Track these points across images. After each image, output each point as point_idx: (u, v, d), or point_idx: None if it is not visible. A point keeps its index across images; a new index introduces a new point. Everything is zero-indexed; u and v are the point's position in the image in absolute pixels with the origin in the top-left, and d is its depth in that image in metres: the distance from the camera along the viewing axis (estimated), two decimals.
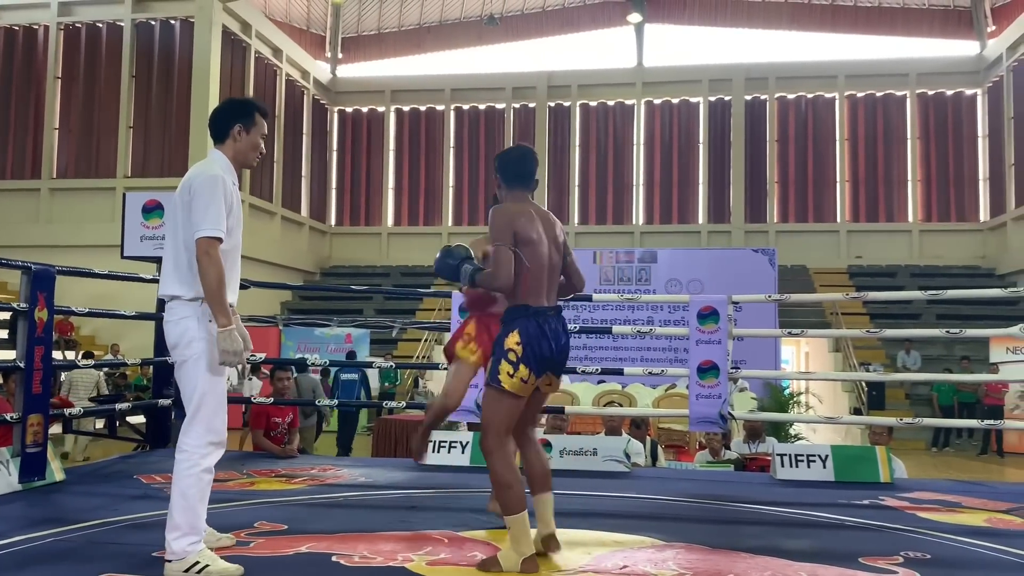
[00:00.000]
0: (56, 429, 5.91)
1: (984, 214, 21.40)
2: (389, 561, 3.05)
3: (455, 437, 5.64)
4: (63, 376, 10.52)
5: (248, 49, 19.82)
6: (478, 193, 23.41)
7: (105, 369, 11.50)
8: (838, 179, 22.15)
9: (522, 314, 3.15)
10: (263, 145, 3.25)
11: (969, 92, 21.80)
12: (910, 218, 21.73)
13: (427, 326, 16.97)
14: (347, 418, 11.98)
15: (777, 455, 5.32)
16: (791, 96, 22.43)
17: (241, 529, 3.45)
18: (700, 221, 22.45)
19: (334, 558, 3.09)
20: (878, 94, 22.13)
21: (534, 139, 22.82)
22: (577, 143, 23.17)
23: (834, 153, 22.24)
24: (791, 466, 5.22)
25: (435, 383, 13.88)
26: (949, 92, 21.89)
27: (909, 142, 21.87)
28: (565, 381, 10.98)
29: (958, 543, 3.56)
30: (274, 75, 21.21)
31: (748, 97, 22.37)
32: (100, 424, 8.28)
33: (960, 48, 22.25)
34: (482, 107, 23.75)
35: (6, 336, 10.23)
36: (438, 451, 5.53)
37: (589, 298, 5.96)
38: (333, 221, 24.35)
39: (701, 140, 22.69)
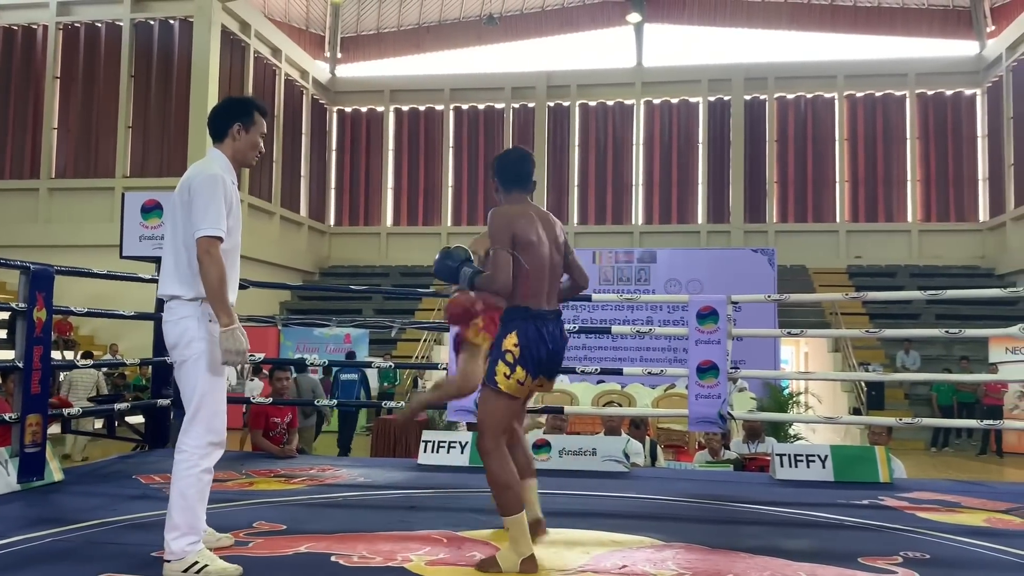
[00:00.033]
0: (55, 429, 5.90)
1: (983, 214, 21.41)
2: (388, 561, 3.05)
3: (454, 437, 5.63)
4: (62, 376, 10.52)
5: (247, 49, 19.82)
6: (477, 193, 23.41)
7: (104, 369, 11.49)
8: (837, 179, 22.16)
9: (521, 316, 3.15)
10: (262, 144, 3.25)
11: (968, 92, 21.81)
12: (909, 218, 21.74)
13: (426, 326, 16.97)
14: (346, 418, 11.99)
15: (776, 455, 5.32)
16: (790, 96, 22.44)
17: (240, 529, 3.45)
18: (699, 221, 22.45)
19: (333, 558, 3.09)
20: (877, 94, 22.14)
21: (533, 139, 22.83)
22: (576, 143, 23.17)
23: (833, 153, 22.25)
24: (790, 466, 5.21)
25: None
26: (948, 92, 21.90)
27: (908, 142, 21.88)
28: (564, 381, 11.01)
29: (957, 543, 3.56)
30: (273, 75, 21.21)
31: (747, 97, 22.38)
32: (99, 424, 8.27)
33: (959, 48, 22.27)
34: (481, 107, 23.75)
35: (5, 336, 10.23)
36: (437, 451, 5.53)
37: (588, 298, 5.95)
38: (332, 221, 24.34)
39: (700, 140, 22.70)
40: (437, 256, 3.39)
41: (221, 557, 2.94)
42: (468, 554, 3.19)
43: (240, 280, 3.30)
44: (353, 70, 24.85)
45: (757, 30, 23.58)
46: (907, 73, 21.81)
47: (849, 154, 22.15)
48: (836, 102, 22.28)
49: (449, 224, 23.37)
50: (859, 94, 22.22)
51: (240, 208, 3.16)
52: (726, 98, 22.50)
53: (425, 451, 5.54)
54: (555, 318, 3.23)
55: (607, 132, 23.15)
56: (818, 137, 22.32)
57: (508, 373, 3.09)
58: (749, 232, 21.76)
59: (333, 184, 24.39)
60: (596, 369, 6.45)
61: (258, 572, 2.91)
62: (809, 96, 22.41)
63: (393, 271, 22.37)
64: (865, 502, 4.46)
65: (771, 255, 13.09)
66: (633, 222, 22.73)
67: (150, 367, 7.04)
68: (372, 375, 13.54)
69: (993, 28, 21.38)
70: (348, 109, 24.45)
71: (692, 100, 22.85)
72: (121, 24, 18.62)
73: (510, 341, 3.11)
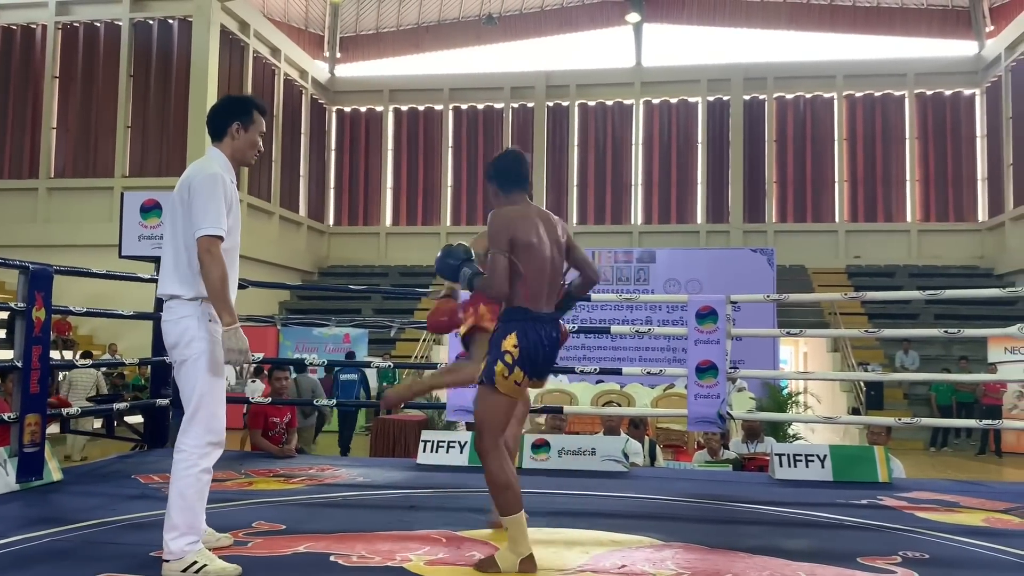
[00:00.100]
0: (54, 429, 5.90)
1: (982, 214, 21.41)
2: (387, 561, 3.05)
3: (453, 437, 5.63)
4: (62, 376, 10.52)
5: (246, 48, 19.81)
6: (476, 193, 23.39)
7: (103, 369, 11.48)
8: (836, 179, 22.16)
9: (521, 317, 3.15)
10: (261, 143, 3.24)
11: (967, 92, 21.82)
12: (908, 218, 21.75)
13: (425, 326, 16.94)
14: (346, 418, 12.00)
15: (775, 455, 5.32)
16: (789, 96, 22.44)
17: (239, 529, 3.45)
18: (698, 221, 22.45)
19: (332, 558, 3.09)
20: (876, 94, 22.14)
21: (532, 139, 22.82)
22: (575, 143, 23.16)
23: (832, 153, 22.26)
24: (789, 466, 5.22)
25: None
26: (947, 92, 21.91)
27: (907, 142, 21.88)
28: (564, 381, 11.01)
29: (956, 543, 3.57)
30: (272, 75, 21.20)
31: (747, 97, 22.38)
32: (98, 424, 8.26)
33: (958, 48, 22.28)
34: (480, 107, 23.75)
35: (4, 336, 10.23)
36: (436, 451, 5.53)
37: (588, 298, 5.94)
38: (331, 221, 24.33)
39: (700, 140, 22.70)
40: (439, 253, 3.41)
41: (220, 557, 2.94)
42: (467, 554, 3.19)
43: (239, 280, 3.30)
44: (352, 70, 24.85)
45: (756, 30, 23.58)
46: (906, 73, 21.82)
47: (848, 154, 22.16)
48: (835, 102, 22.29)
49: (448, 224, 23.35)
50: (858, 94, 22.23)
51: (239, 207, 3.16)
52: (725, 98, 22.50)
53: (424, 451, 5.54)
54: (552, 321, 3.24)
55: (606, 132, 23.15)
56: (817, 137, 22.33)
57: (506, 374, 3.10)
58: (748, 232, 21.77)
59: (332, 184, 24.38)
60: (595, 369, 6.46)
61: (257, 572, 2.91)
62: (808, 96, 22.42)
63: (392, 271, 22.37)
64: (864, 502, 4.46)
65: (770, 255, 13.09)
66: (632, 222, 22.73)
67: (149, 367, 7.04)
68: (371, 375, 13.54)
69: (992, 28, 21.38)
70: (347, 109, 24.45)
71: (691, 100, 22.85)
72: (120, 24, 18.61)
73: (510, 342, 3.11)
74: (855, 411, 14.68)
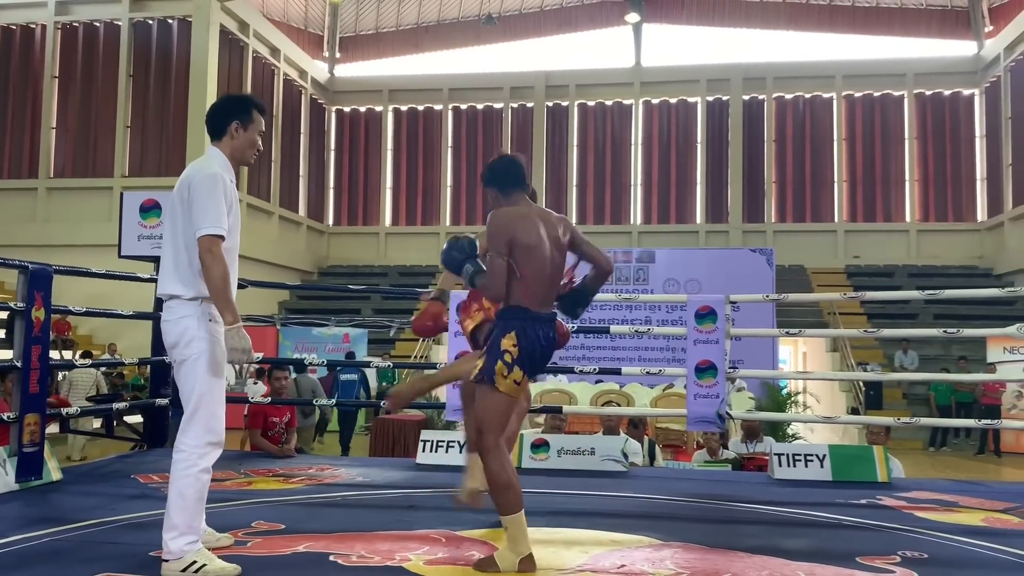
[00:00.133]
0: (53, 429, 5.90)
1: (981, 214, 21.42)
2: (387, 560, 3.05)
3: (452, 437, 5.63)
4: (62, 376, 10.51)
5: (246, 48, 19.81)
6: (476, 193, 23.37)
7: (103, 368, 11.49)
8: (836, 179, 22.17)
9: (520, 316, 3.15)
10: (260, 142, 3.24)
11: (966, 92, 21.82)
12: (907, 218, 21.75)
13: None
14: (346, 418, 12.00)
15: (775, 454, 5.33)
16: (789, 96, 22.44)
17: (238, 529, 3.45)
18: (698, 221, 22.45)
19: (332, 557, 3.09)
20: (876, 94, 22.15)
21: (532, 139, 22.82)
22: (575, 143, 23.16)
23: (832, 153, 22.26)
24: (789, 466, 5.22)
25: None
26: (946, 92, 21.91)
27: (906, 142, 21.89)
28: (563, 381, 11.02)
29: (955, 542, 3.57)
30: (272, 74, 21.19)
31: (746, 97, 22.38)
32: (97, 424, 8.26)
33: (957, 48, 22.28)
34: (480, 107, 23.74)
35: (3, 335, 10.22)
36: (436, 451, 5.53)
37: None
38: (331, 221, 24.33)
39: (699, 140, 22.69)
40: (446, 244, 3.43)
41: (220, 557, 2.94)
42: (467, 553, 3.19)
43: (239, 280, 3.30)
44: (352, 70, 24.84)
45: (755, 30, 23.58)
46: (905, 73, 21.82)
47: (847, 154, 22.17)
48: (834, 102, 22.29)
49: (448, 224, 23.34)
50: (857, 94, 22.23)
51: (239, 207, 3.16)
52: (724, 98, 22.50)
53: (424, 451, 5.54)
54: (550, 320, 3.24)
55: (606, 132, 23.15)
56: (816, 137, 22.34)
57: (506, 373, 3.10)
58: (747, 232, 21.77)
59: (332, 184, 24.37)
60: (594, 369, 6.45)
61: (256, 571, 2.91)
62: (807, 96, 22.42)
63: (392, 271, 22.36)
64: (863, 501, 4.47)
65: (769, 255, 13.10)
66: (631, 222, 22.73)
67: (148, 366, 7.03)
68: (371, 375, 13.55)
69: (991, 28, 21.39)
70: (347, 109, 24.44)
71: (690, 100, 22.85)
72: (120, 24, 18.60)
73: (509, 341, 3.12)
74: (854, 411, 14.68)
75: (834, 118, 22.27)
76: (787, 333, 6.21)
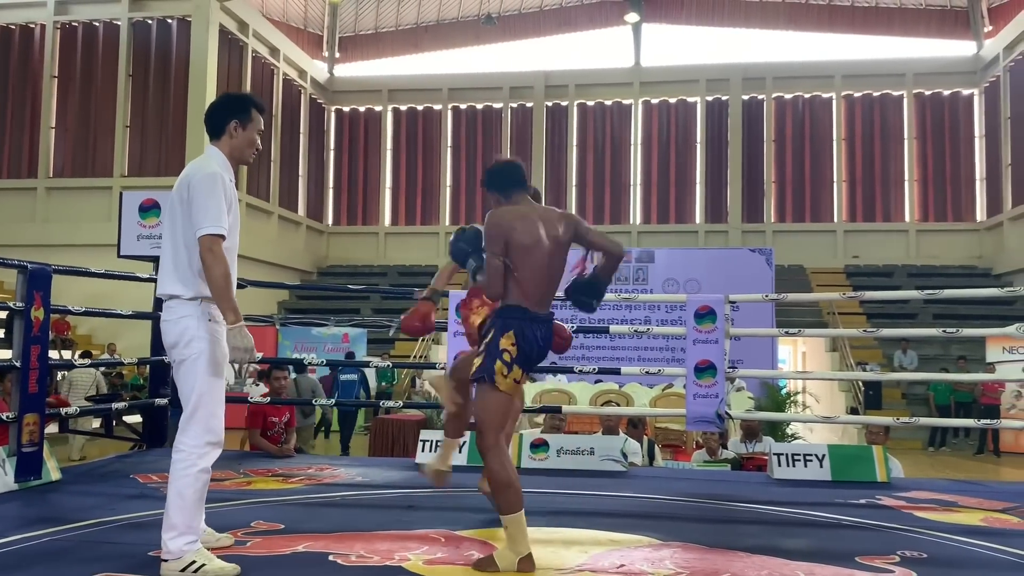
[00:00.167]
0: (52, 428, 5.90)
1: (981, 214, 21.43)
2: (386, 560, 3.05)
3: None
4: (62, 376, 10.51)
5: (245, 48, 19.80)
6: (475, 193, 23.37)
7: (102, 368, 11.49)
8: (835, 179, 22.17)
9: (518, 316, 3.15)
10: (259, 141, 3.24)
11: (966, 92, 21.83)
12: (907, 218, 21.76)
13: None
14: (346, 418, 12.01)
15: (774, 454, 5.33)
16: (788, 96, 22.45)
17: (238, 528, 3.45)
18: (697, 221, 22.46)
19: (331, 557, 3.09)
20: (875, 94, 22.16)
21: (531, 139, 22.83)
22: (574, 143, 23.16)
23: (831, 153, 22.27)
24: (788, 465, 5.22)
25: None
26: (946, 92, 21.92)
27: (906, 142, 21.90)
28: (563, 380, 11.01)
29: (955, 542, 3.57)
30: (271, 74, 21.19)
31: (745, 97, 22.39)
32: (97, 423, 8.26)
33: (957, 48, 22.29)
34: (479, 107, 23.74)
35: (2, 335, 10.22)
36: (435, 450, 5.52)
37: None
38: (330, 220, 24.33)
39: (698, 140, 22.70)
40: (454, 235, 3.43)
41: (219, 556, 2.94)
42: (466, 553, 3.19)
43: (238, 279, 3.30)
44: (351, 70, 24.84)
45: (755, 30, 23.59)
46: (904, 73, 21.83)
47: (847, 154, 22.17)
48: (834, 102, 22.29)
49: (447, 224, 23.33)
50: (857, 94, 22.24)
51: (238, 207, 3.16)
52: (724, 98, 22.51)
53: (423, 450, 5.53)
54: (547, 321, 3.25)
55: (605, 132, 23.15)
56: (816, 137, 22.34)
57: (505, 372, 3.11)
58: (747, 232, 21.78)
59: (331, 184, 24.37)
60: (594, 368, 6.46)
61: (256, 571, 2.91)
62: (807, 96, 22.42)
63: (391, 271, 22.36)
64: (862, 501, 4.47)
65: (769, 255, 13.09)
66: (631, 222, 22.73)
67: (148, 366, 7.03)
68: (370, 374, 13.55)
69: (990, 28, 21.40)
70: (346, 109, 24.44)
71: (690, 100, 22.86)
72: (119, 23, 18.60)
73: (508, 341, 3.12)
74: (853, 411, 14.69)
75: (833, 118, 22.27)
76: (786, 333, 6.20)
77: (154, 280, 4.85)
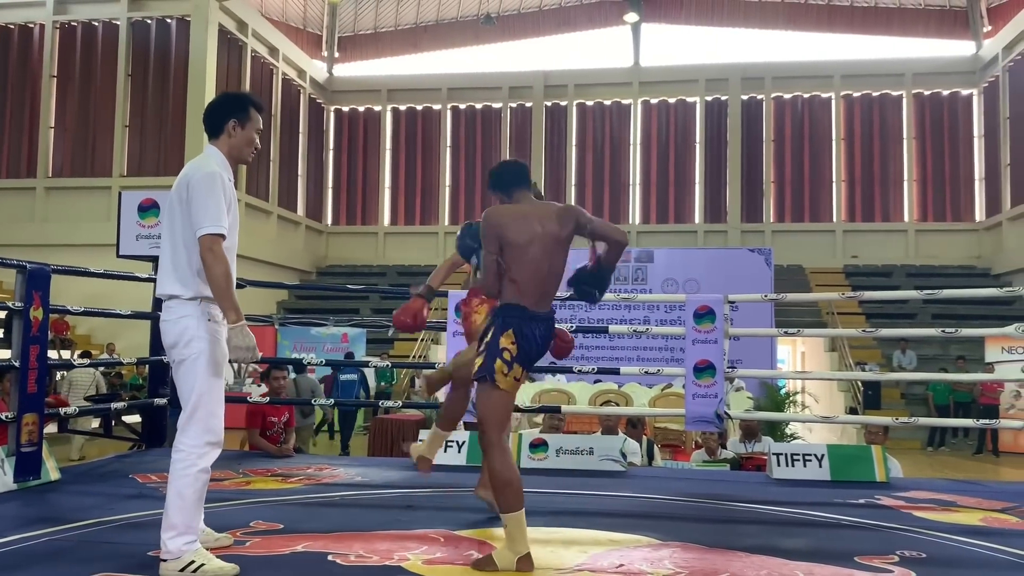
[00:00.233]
0: (51, 428, 5.89)
1: (980, 214, 21.44)
2: (385, 560, 3.05)
3: (452, 436, 5.62)
4: (61, 375, 10.50)
5: (244, 48, 19.79)
6: (475, 192, 23.39)
7: (101, 368, 11.48)
8: (834, 179, 22.18)
9: (516, 314, 3.16)
10: (258, 140, 3.23)
11: (965, 92, 21.84)
12: (906, 218, 21.77)
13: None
14: (345, 418, 12.01)
15: (773, 454, 5.33)
16: (787, 96, 22.45)
17: (237, 528, 3.44)
18: (696, 221, 22.46)
19: (330, 557, 3.09)
20: (874, 94, 22.16)
21: (530, 139, 22.83)
22: (574, 143, 23.17)
23: (830, 153, 22.27)
24: (787, 465, 5.22)
25: None
26: (945, 92, 21.93)
27: (905, 142, 21.90)
28: (562, 380, 11.01)
29: (954, 542, 3.57)
30: (270, 74, 21.18)
31: (744, 97, 22.39)
32: (96, 423, 8.26)
33: (956, 48, 22.30)
34: (479, 106, 23.74)
35: (1, 335, 10.21)
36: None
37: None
38: (329, 220, 24.32)
39: (697, 140, 22.70)
40: (460, 230, 3.44)
41: (218, 556, 2.94)
42: (465, 553, 3.19)
43: (237, 279, 3.30)
44: (350, 69, 24.83)
45: (754, 30, 23.59)
46: (904, 73, 21.84)
47: (846, 154, 22.18)
48: (833, 102, 22.30)
49: (446, 223, 23.34)
50: (856, 94, 22.24)
51: (237, 206, 3.16)
52: (723, 98, 22.51)
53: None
54: (546, 319, 3.24)
55: (604, 132, 23.16)
56: (815, 137, 22.35)
57: (506, 371, 3.11)
58: (746, 232, 21.78)
59: (330, 183, 24.37)
60: (593, 368, 6.47)
61: (255, 571, 2.90)
62: (806, 96, 22.43)
63: (390, 270, 22.36)
64: (862, 501, 4.47)
65: (768, 255, 13.10)
66: (630, 221, 22.73)
67: (147, 366, 7.03)
68: (370, 374, 13.55)
69: (989, 28, 21.40)
70: (345, 108, 24.43)
71: (689, 100, 22.86)
72: (118, 23, 18.59)
73: (507, 339, 3.12)
74: (852, 411, 14.69)
75: (832, 118, 22.28)
76: (785, 333, 6.21)
77: (153, 280, 4.84)
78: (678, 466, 6.84)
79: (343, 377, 12.11)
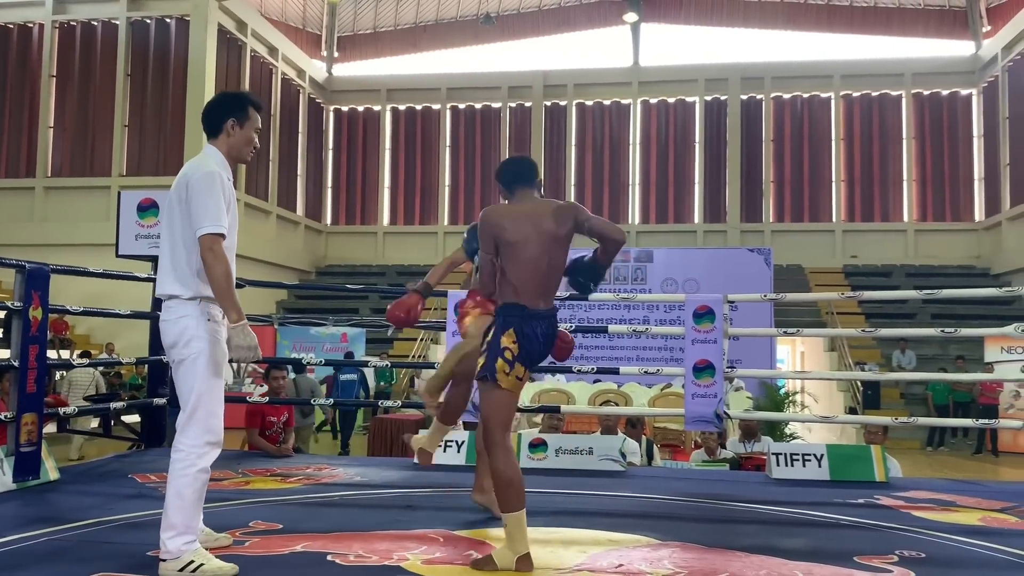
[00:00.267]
0: (51, 428, 5.89)
1: (979, 214, 21.45)
2: (384, 560, 3.05)
3: (451, 436, 5.62)
4: (61, 375, 10.49)
5: (244, 48, 19.79)
6: (474, 192, 23.40)
7: (100, 368, 11.48)
8: (834, 179, 22.19)
9: (516, 314, 3.15)
10: (257, 139, 3.23)
11: (964, 92, 21.85)
12: (905, 218, 21.78)
13: (423, 325, 16.94)
14: (345, 418, 12.00)
15: (773, 454, 5.33)
16: (787, 96, 22.46)
17: (236, 528, 3.44)
18: (696, 220, 22.46)
19: (329, 557, 3.08)
20: (874, 94, 22.17)
21: (530, 138, 22.83)
22: (573, 142, 23.17)
23: (830, 153, 22.28)
24: (786, 465, 5.22)
25: None
26: (944, 92, 21.94)
27: (904, 142, 21.91)
28: (561, 380, 11.01)
29: (953, 542, 3.57)
30: (270, 74, 21.18)
31: (744, 97, 22.40)
32: (95, 423, 8.25)
33: (955, 48, 22.32)
34: (478, 106, 23.74)
35: (1, 335, 10.21)
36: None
37: (585, 297, 5.96)
38: (329, 220, 24.32)
39: (697, 140, 22.71)
40: (468, 231, 3.45)
41: (217, 556, 2.93)
42: (465, 553, 3.19)
43: (236, 279, 3.30)
44: (350, 69, 24.83)
45: (754, 30, 23.60)
46: (903, 73, 21.85)
47: (845, 154, 22.19)
48: (832, 102, 22.30)
49: (446, 223, 23.35)
50: (855, 94, 22.25)
51: (236, 206, 3.16)
52: (723, 98, 22.51)
53: None
54: (547, 317, 3.23)
55: (604, 132, 23.16)
56: (814, 137, 22.35)
57: (507, 370, 3.11)
58: (745, 232, 21.79)
59: (330, 183, 24.37)
60: (592, 368, 6.46)
61: (254, 571, 2.90)
62: (805, 96, 22.43)
63: (390, 270, 22.35)
64: (861, 501, 4.47)
65: (767, 255, 13.11)
66: (630, 221, 22.73)
67: (146, 366, 7.03)
68: (369, 374, 13.55)
69: (989, 28, 21.41)
70: (345, 108, 24.43)
71: (689, 100, 22.87)
72: (117, 23, 18.59)
73: (508, 339, 3.12)
74: (852, 410, 14.69)
75: (832, 118, 22.29)
76: (785, 333, 6.21)
77: (152, 280, 4.84)
78: (677, 466, 6.84)
79: (343, 377, 12.11)
